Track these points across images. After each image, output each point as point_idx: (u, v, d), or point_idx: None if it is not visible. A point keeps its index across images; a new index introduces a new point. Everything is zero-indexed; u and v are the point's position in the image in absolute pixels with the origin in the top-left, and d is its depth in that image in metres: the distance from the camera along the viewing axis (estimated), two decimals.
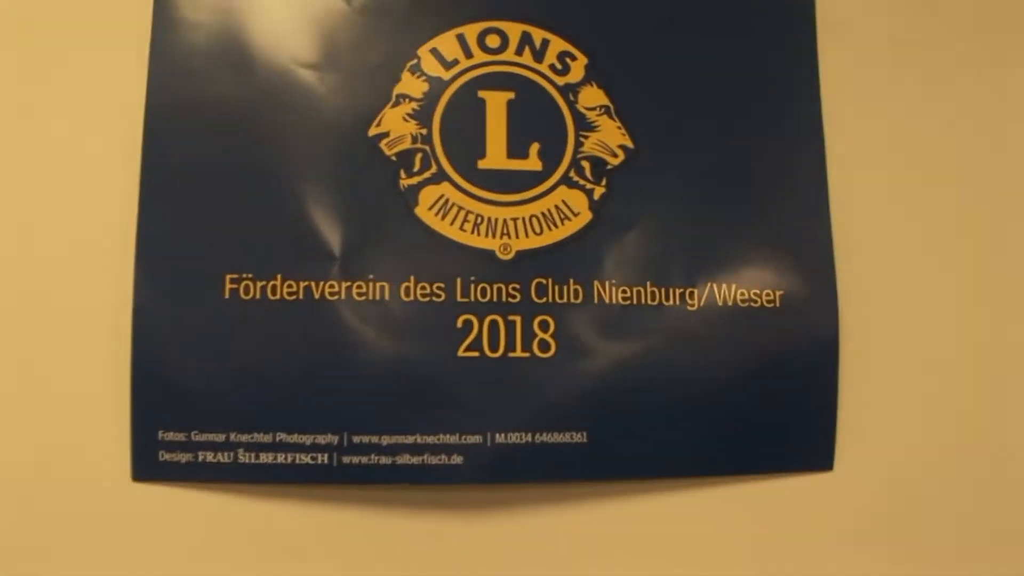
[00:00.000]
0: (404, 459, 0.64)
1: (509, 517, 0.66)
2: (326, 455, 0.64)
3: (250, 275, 0.65)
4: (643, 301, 0.68)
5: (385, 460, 0.64)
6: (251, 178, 0.66)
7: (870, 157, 0.75)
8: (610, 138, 0.70)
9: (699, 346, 0.69)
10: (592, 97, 0.71)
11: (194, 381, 0.64)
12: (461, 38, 0.70)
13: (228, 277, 0.65)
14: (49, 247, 0.65)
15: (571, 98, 0.70)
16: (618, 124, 0.71)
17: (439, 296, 0.66)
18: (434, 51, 0.69)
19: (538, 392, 0.66)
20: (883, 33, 0.77)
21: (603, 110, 0.71)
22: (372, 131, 0.67)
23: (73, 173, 0.66)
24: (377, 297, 0.65)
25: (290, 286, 0.65)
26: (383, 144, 0.67)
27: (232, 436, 0.63)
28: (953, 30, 0.78)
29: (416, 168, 0.67)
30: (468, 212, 0.67)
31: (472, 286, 0.66)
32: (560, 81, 0.70)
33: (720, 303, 0.70)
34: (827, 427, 0.71)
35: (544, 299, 0.67)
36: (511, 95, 0.69)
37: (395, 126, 0.68)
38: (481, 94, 0.69)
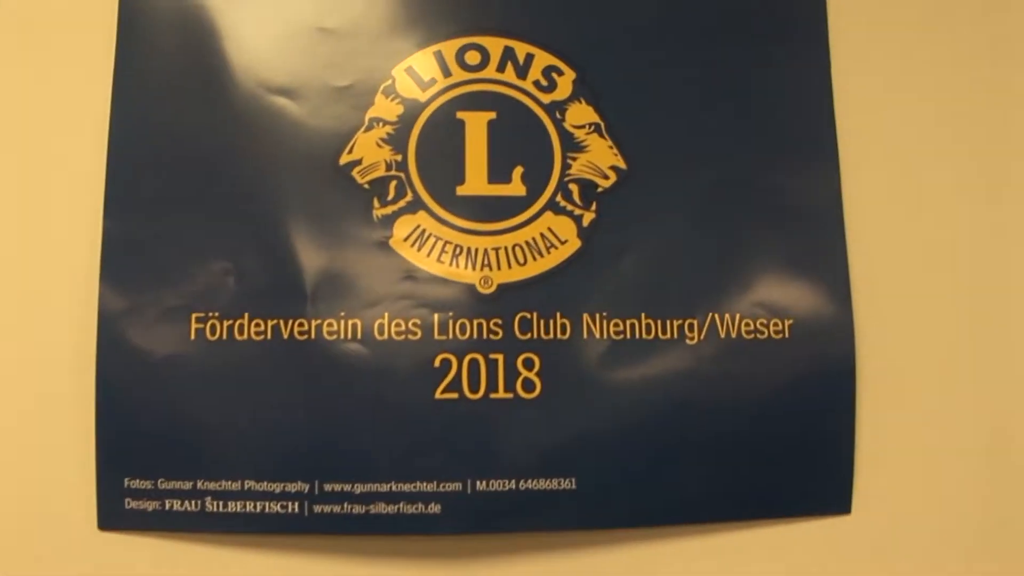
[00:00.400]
0: (379, 508, 0.61)
1: (492, 569, 0.62)
2: (296, 504, 0.61)
3: (216, 314, 0.62)
4: (637, 335, 0.64)
5: (359, 509, 0.61)
6: (218, 211, 0.63)
7: (888, 173, 0.69)
8: (600, 158, 0.65)
9: (699, 383, 0.64)
10: (581, 114, 0.66)
11: (160, 426, 0.61)
12: (439, 56, 0.66)
13: (194, 316, 0.62)
14: (10, 290, 0.63)
15: (558, 116, 0.66)
16: (609, 143, 0.66)
17: (415, 334, 0.62)
18: (409, 71, 0.65)
19: (522, 436, 0.62)
20: (902, 46, 0.71)
21: (593, 128, 0.66)
22: (344, 159, 0.64)
23: (34, 210, 0.64)
24: (349, 336, 0.62)
25: (258, 325, 0.62)
26: (355, 172, 0.64)
27: (199, 484, 0.61)
28: (973, 46, 0.72)
29: (391, 197, 0.63)
30: (446, 243, 0.63)
31: (450, 323, 0.62)
32: (545, 98, 0.66)
33: (723, 335, 0.64)
34: (844, 468, 0.65)
35: (528, 335, 0.62)
36: (492, 115, 0.65)
37: (368, 153, 0.64)
38: (460, 115, 0.65)
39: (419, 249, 0.63)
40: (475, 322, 0.62)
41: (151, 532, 0.61)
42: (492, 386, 0.62)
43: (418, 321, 0.62)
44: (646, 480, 0.63)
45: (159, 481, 0.61)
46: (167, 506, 0.60)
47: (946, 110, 0.71)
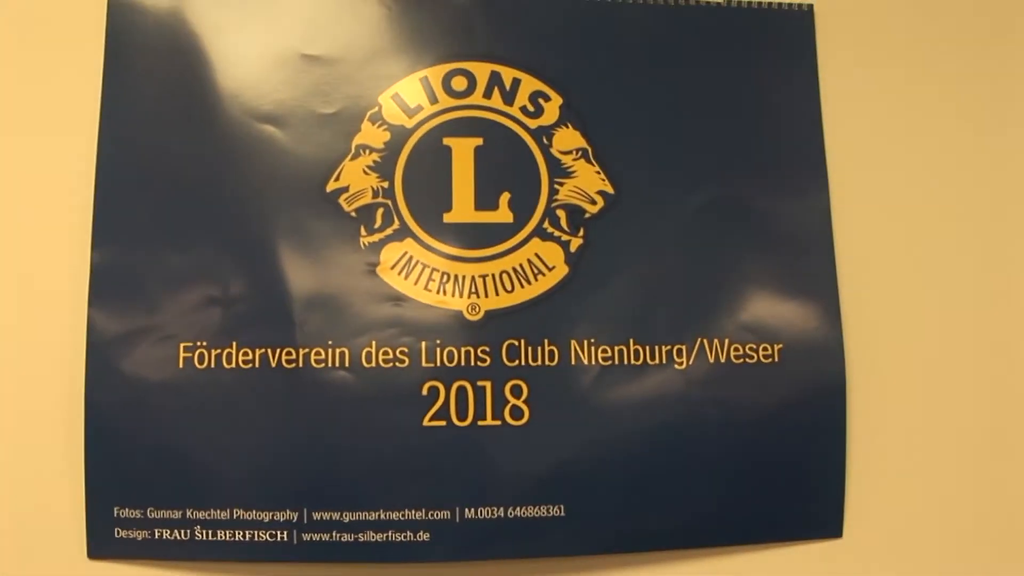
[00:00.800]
0: (368, 536, 0.61)
1: None
2: (285, 532, 0.61)
3: (204, 343, 0.62)
4: (625, 361, 0.63)
5: (347, 537, 0.61)
6: (205, 239, 0.63)
7: (877, 196, 0.69)
8: (588, 184, 0.65)
9: (689, 409, 0.64)
10: (568, 140, 0.65)
11: (149, 455, 0.61)
12: (425, 82, 0.65)
13: (182, 346, 0.62)
14: None
15: (544, 142, 0.65)
16: (596, 168, 0.65)
17: (403, 361, 0.62)
18: (396, 97, 0.65)
19: (511, 463, 0.62)
20: (890, 65, 0.71)
21: (580, 153, 0.65)
22: (331, 186, 0.64)
23: (19, 240, 0.64)
24: (336, 364, 0.62)
25: (246, 354, 0.62)
26: (342, 200, 0.63)
27: (189, 512, 0.61)
28: (963, 69, 0.72)
29: (377, 224, 0.63)
30: (433, 270, 0.63)
31: (438, 350, 0.62)
32: (532, 124, 0.65)
33: (712, 360, 0.64)
34: (835, 492, 0.65)
35: (516, 362, 0.62)
36: (479, 141, 0.65)
37: (355, 180, 0.64)
38: (447, 141, 0.65)
39: (406, 276, 0.63)
40: (463, 349, 0.62)
41: (141, 561, 0.61)
42: (480, 413, 0.62)
43: (406, 349, 0.62)
44: (635, 506, 0.62)
45: (148, 510, 0.60)
46: (157, 535, 0.60)
47: (936, 132, 0.71)
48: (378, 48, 0.66)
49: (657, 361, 0.64)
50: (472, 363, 0.62)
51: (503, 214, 0.64)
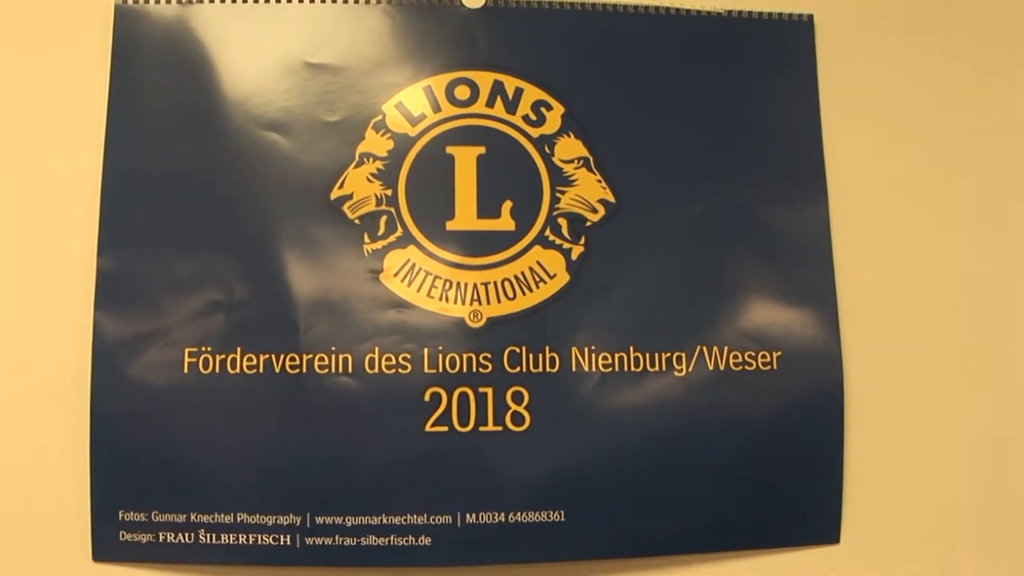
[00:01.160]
0: (370, 540, 0.61)
1: None
2: (289, 536, 0.61)
3: (209, 348, 0.62)
4: (626, 368, 0.64)
5: (350, 541, 0.61)
6: (211, 245, 0.63)
7: (877, 206, 0.70)
8: (589, 192, 0.66)
9: (688, 415, 0.64)
10: (569, 149, 0.66)
11: (154, 459, 0.61)
12: (428, 91, 0.66)
13: (187, 351, 0.62)
14: (5, 322, 0.63)
15: (547, 151, 0.66)
16: (598, 177, 0.66)
17: (405, 368, 0.62)
18: (399, 106, 0.66)
19: (512, 468, 0.62)
20: (888, 75, 0.72)
21: (581, 162, 0.66)
22: (335, 194, 0.64)
23: (28, 245, 0.64)
24: (340, 369, 0.62)
25: (250, 359, 0.62)
26: (346, 207, 0.64)
27: (193, 516, 0.61)
28: (963, 81, 0.72)
29: (381, 232, 0.64)
30: (436, 277, 0.64)
31: (440, 356, 0.63)
32: (535, 133, 0.66)
33: (711, 367, 0.65)
34: (833, 498, 0.66)
35: (517, 369, 0.63)
36: (481, 150, 0.65)
37: (358, 187, 0.64)
38: (450, 150, 0.65)
39: (409, 284, 0.63)
40: (465, 356, 0.63)
41: (145, 564, 0.61)
42: (482, 419, 0.62)
43: (408, 355, 0.62)
44: (635, 512, 0.63)
45: (153, 514, 0.61)
46: (161, 538, 0.61)
47: (935, 143, 0.71)
48: (382, 57, 0.66)
49: (657, 368, 0.64)
50: (474, 370, 0.62)
51: (505, 222, 0.64)
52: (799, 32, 0.70)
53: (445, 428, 0.62)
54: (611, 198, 0.66)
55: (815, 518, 0.65)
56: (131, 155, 0.64)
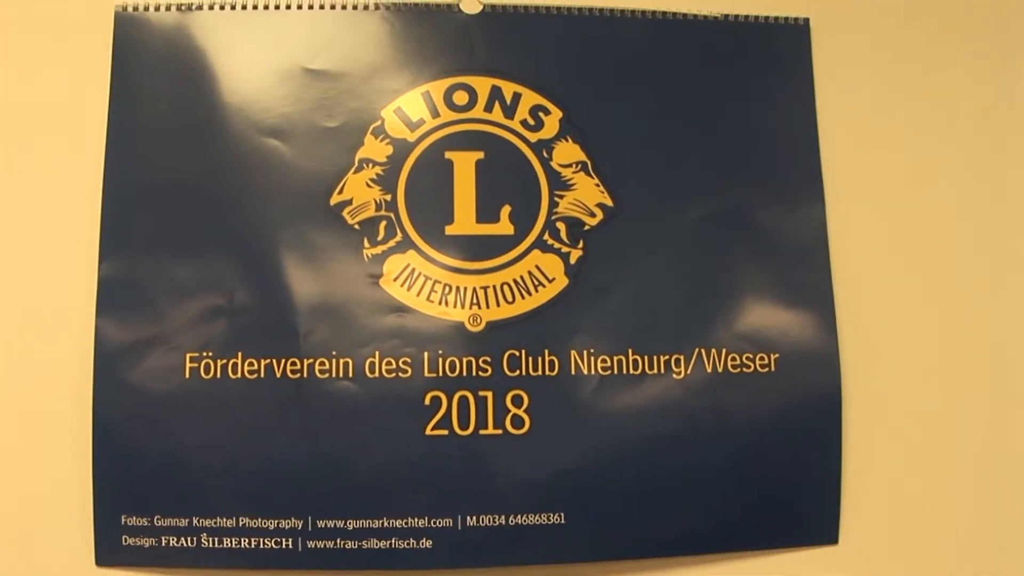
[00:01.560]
0: (371, 543, 0.62)
1: None
2: (290, 540, 0.61)
3: (210, 353, 0.63)
4: (624, 370, 0.64)
5: (351, 545, 0.61)
6: (212, 251, 0.64)
7: (874, 208, 0.70)
8: (587, 196, 0.66)
9: (686, 417, 0.65)
10: (567, 153, 0.66)
11: (156, 464, 0.62)
12: (427, 96, 0.66)
13: (189, 356, 0.63)
14: (6, 328, 0.64)
15: (545, 155, 0.66)
16: (596, 181, 0.66)
17: (405, 372, 0.63)
18: (398, 111, 0.66)
19: (512, 471, 0.63)
20: (884, 78, 0.72)
21: (579, 166, 0.66)
22: (334, 199, 0.64)
23: (30, 251, 0.65)
24: (340, 374, 0.63)
25: (251, 364, 0.63)
26: (346, 212, 0.64)
27: (195, 520, 0.61)
28: (960, 83, 0.73)
29: (381, 237, 0.64)
30: (436, 282, 0.64)
31: (440, 360, 0.63)
32: (533, 137, 0.66)
33: (709, 370, 0.65)
34: (831, 498, 0.66)
35: (517, 372, 0.63)
36: (480, 155, 0.66)
37: (358, 193, 0.65)
38: (448, 155, 0.65)
39: (409, 288, 0.64)
40: (464, 360, 0.63)
41: (148, 568, 0.62)
42: (482, 423, 0.63)
43: (408, 359, 0.63)
44: (635, 513, 0.63)
45: (155, 518, 0.61)
46: (163, 542, 0.61)
47: (932, 146, 0.72)
48: (380, 63, 0.66)
49: (656, 371, 0.65)
50: (474, 373, 0.63)
51: (504, 226, 0.65)
52: (795, 36, 0.71)
53: (445, 431, 0.62)
54: (609, 202, 0.66)
55: (814, 519, 0.66)
56: (132, 161, 0.64)
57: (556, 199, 0.66)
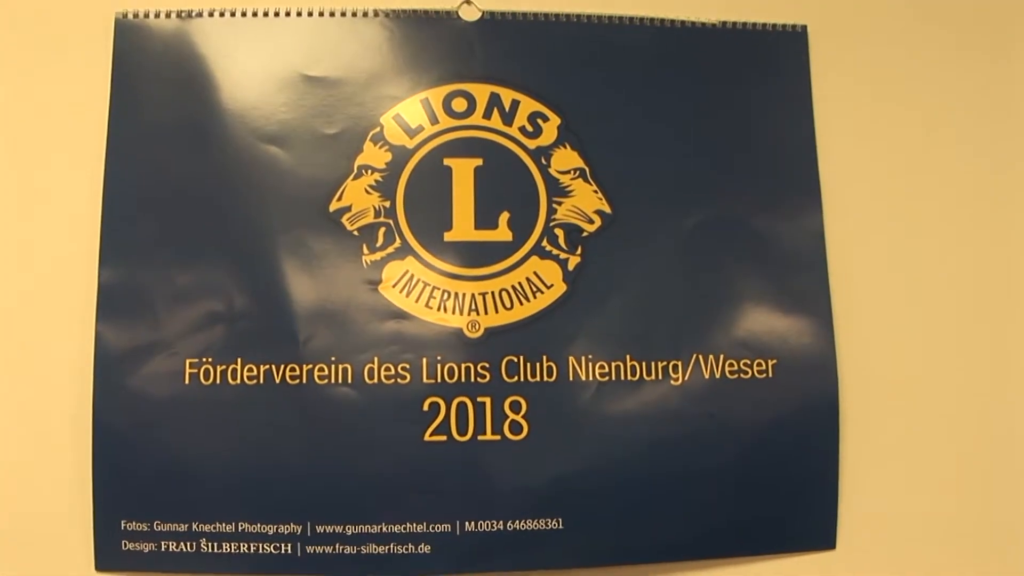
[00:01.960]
0: (370, 549, 0.62)
1: None
2: (289, 545, 0.62)
3: (210, 359, 0.63)
4: (622, 377, 0.65)
5: (350, 550, 0.62)
6: (211, 257, 0.64)
7: (871, 215, 0.70)
8: (585, 203, 0.66)
9: (684, 423, 0.65)
10: (566, 160, 0.67)
11: (156, 469, 0.62)
12: (426, 103, 0.67)
13: (188, 362, 0.63)
14: (7, 334, 0.64)
15: (543, 162, 0.67)
16: (594, 188, 0.67)
17: (404, 378, 0.63)
18: (397, 118, 0.66)
19: (510, 477, 0.63)
20: (881, 85, 0.72)
21: (578, 173, 0.67)
22: (333, 206, 0.65)
23: (30, 257, 0.65)
24: (339, 380, 0.63)
25: (250, 370, 0.63)
26: (345, 219, 0.65)
27: (195, 525, 0.62)
28: (957, 89, 0.73)
29: (379, 243, 0.65)
30: (434, 288, 0.64)
31: (439, 366, 0.63)
32: (531, 144, 0.67)
33: (707, 376, 0.65)
34: (828, 504, 0.66)
35: (515, 378, 0.64)
36: (479, 161, 0.66)
37: (357, 199, 0.65)
38: (447, 162, 0.66)
39: (408, 294, 0.64)
40: (463, 366, 0.63)
41: (148, 573, 0.62)
42: (480, 428, 0.63)
43: (407, 365, 0.63)
44: (632, 519, 0.64)
45: (155, 523, 0.62)
46: (163, 547, 0.61)
47: (929, 153, 0.72)
48: (380, 70, 0.67)
49: (653, 376, 0.65)
50: (472, 379, 0.63)
51: (502, 233, 0.65)
52: (793, 43, 0.71)
53: (444, 437, 0.62)
54: (607, 209, 0.66)
55: (811, 524, 0.66)
56: (132, 167, 0.65)
57: (554, 206, 0.66)
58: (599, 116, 0.67)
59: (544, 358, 0.64)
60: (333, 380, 0.63)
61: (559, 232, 0.66)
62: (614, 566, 0.65)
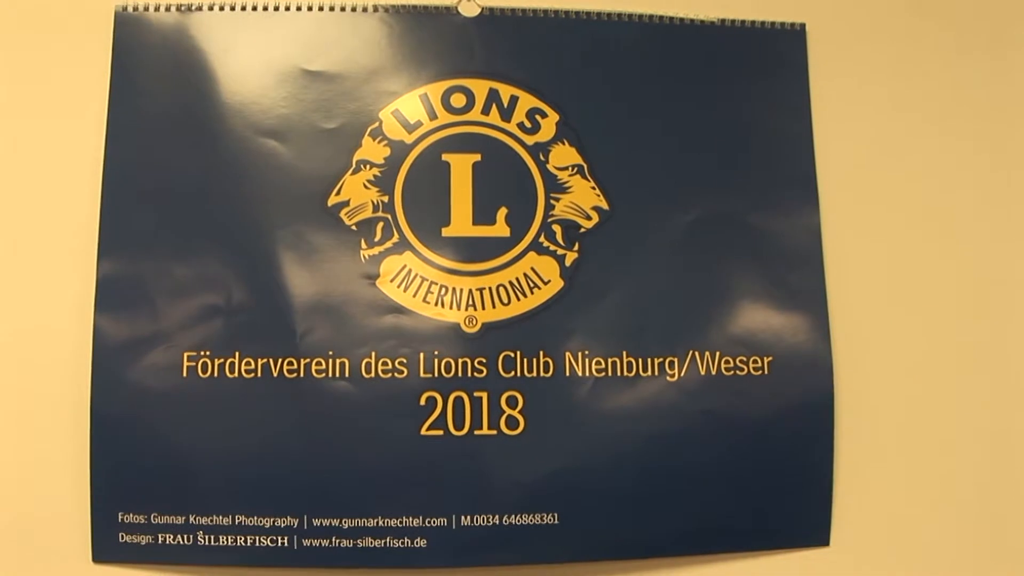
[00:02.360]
0: (366, 542, 0.62)
1: None
2: (286, 538, 0.62)
3: (207, 352, 0.63)
4: (619, 372, 0.65)
5: (346, 543, 0.62)
6: (209, 251, 0.64)
7: (867, 212, 0.71)
8: (583, 199, 0.67)
9: (680, 419, 0.65)
10: (564, 156, 0.67)
11: (153, 462, 0.62)
12: (424, 98, 0.67)
13: (186, 355, 0.63)
14: (5, 326, 0.64)
15: (541, 158, 0.67)
16: (592, 184, 0.67)
17: (401, 372, 0.63)
18: (396, 113, 0.66)
19: (506, 472, 0.63)
20: (879, 83, 0.73)
21: (576, 170, 0.67)
22: (332, 200, 0.65)
23: (29, 249, 0.65)
24: (336, 374, 0.63)
25: (248, 363, 0.63)
26: (343, 214, 0.65)
27: (192, 518, 0.62)
28: (955, 87, 0.73)
29: (377, 238, 0.65)
30: (432, 283, 0.64)
31: (436, 361, 0.63)
32: (529, 140, 0.67)
33: (703, 372, 0.66)
34: (822, 501, 0.67)
35: (512, 373, 0.64)
36: (477, 157, 0.66)
37: (355, 194, 0.65)
38: (445, 157, 0.66)
39: (405, 289, 0.64)
40: (460, 361, 0.64)
41: (144, 565, 0.62)
42: (476, 423, 0.63)
43: (404, 360, 0.63)
44: (627, 514, 0.64)
45: (152, 515, 0.62)
46: (160, 539, 0.62)
47: (926, 151, 0.72)
48: (379, 65, 0.67)
49: (649, 373, 0.65)
50: (469, 374, 0.63)
51: (500, 228, 0.65)
52: (791, 41, 0.71)
53: (441, 432, 0.63)
54: (605, 205, 0.67)
55: (806, 521, 0.66)
56: (131, 160, 0.65)
57: (552, 202, 0.66)
58: (597, 113, 0.68)
59: (541, 353, 0.64)
60: (330, 374, 0.63)
61: (557, 228, 0.66)
62: (609, 561, 0.65)
